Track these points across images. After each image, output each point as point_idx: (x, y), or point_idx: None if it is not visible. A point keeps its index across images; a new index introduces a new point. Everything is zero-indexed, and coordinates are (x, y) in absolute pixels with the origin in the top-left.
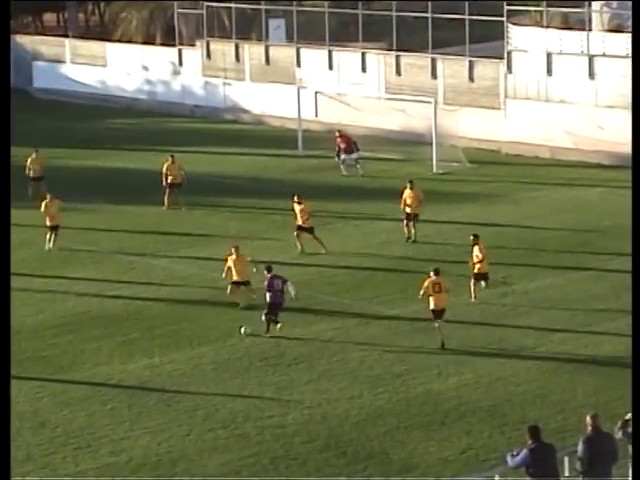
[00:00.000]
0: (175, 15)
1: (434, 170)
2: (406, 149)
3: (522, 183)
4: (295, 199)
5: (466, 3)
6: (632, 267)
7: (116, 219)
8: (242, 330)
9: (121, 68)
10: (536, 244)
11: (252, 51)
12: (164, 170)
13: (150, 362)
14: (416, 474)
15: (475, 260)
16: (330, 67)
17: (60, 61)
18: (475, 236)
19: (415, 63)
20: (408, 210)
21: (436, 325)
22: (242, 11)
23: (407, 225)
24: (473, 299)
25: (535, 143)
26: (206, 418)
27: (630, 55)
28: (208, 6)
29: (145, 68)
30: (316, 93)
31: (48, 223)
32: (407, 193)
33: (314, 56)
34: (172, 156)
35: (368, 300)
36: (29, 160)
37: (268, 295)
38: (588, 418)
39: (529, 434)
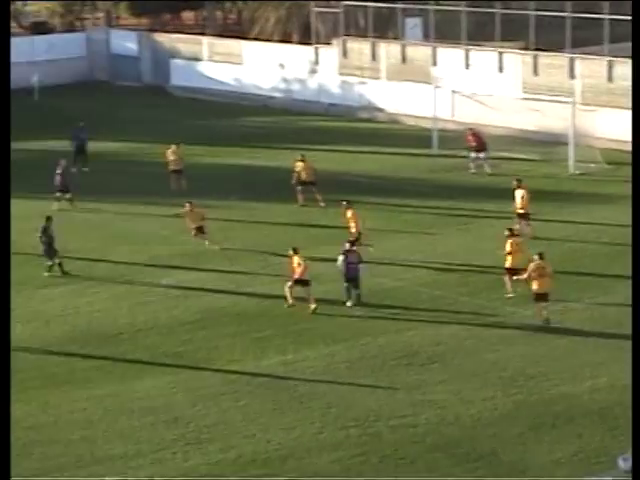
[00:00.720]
0: (312, 14)
1: (571, 171)
2: (543, 149)
3: None
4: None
5: (606, 2)
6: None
7: (251, 216)
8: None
9: (257, 66)
10: None
11: (388, 50)
12: (296, 169)
13: (283, 359)
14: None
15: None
16: (466, 66)
17: (197, 59)
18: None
19: (553, 63)
20: (520, 211)
21: (542, 308)
22: (379, 10)
23: (519, 223)
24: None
25: None
26: (338, 416)
27: None
28: (345, 5)
29: (281, 66)
30: (452, 92)
31: (192, 226)
32: (520, 193)
33: (450, 55)
34: (302, 155)
35: (502, 300)
36: (168, 152)
37: (341, 264)
38: None
39: None
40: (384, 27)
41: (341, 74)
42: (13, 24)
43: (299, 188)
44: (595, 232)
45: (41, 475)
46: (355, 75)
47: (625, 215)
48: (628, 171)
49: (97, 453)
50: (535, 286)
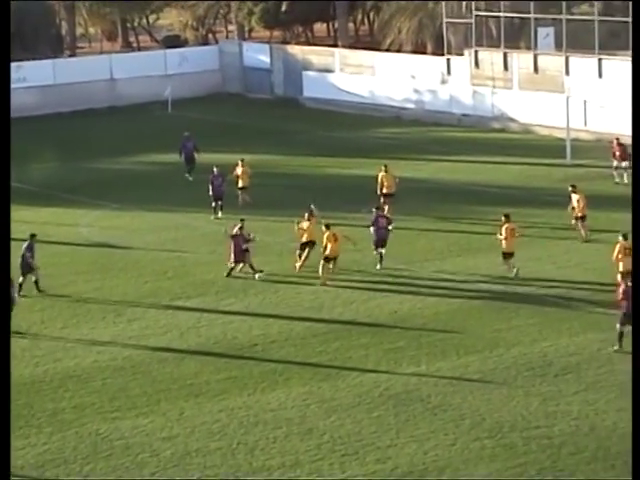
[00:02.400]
0: (444, 24)
1: None
2: None
3: None
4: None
5: None
6: (632, 265)
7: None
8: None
9: (389, 77)
10: None
11: (520, 59)
12: (379, 180)
13: (417, 370)
14: None
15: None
16: (600, 75)
17: (329, 71)
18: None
19: None
20: (578, 214)
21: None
22: (510, 20)
23: (576, 227)
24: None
25: None
26: (472, 427)
27: None
28: (477, 15)
29: (413, 77)
30: (585, 102)
31: (304, 239)
32: (576, 197)
33: (583, 64)
34: (385, 166)
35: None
36: (237, 170)
37: (372, 229)
38: None
39: None
40: (516, 37)
41: (473, 84)
42: (147, 38)
43: (382, 200)
44: None
45: None
46: (487, 85)
47: None
48: None
49: (255, 463)
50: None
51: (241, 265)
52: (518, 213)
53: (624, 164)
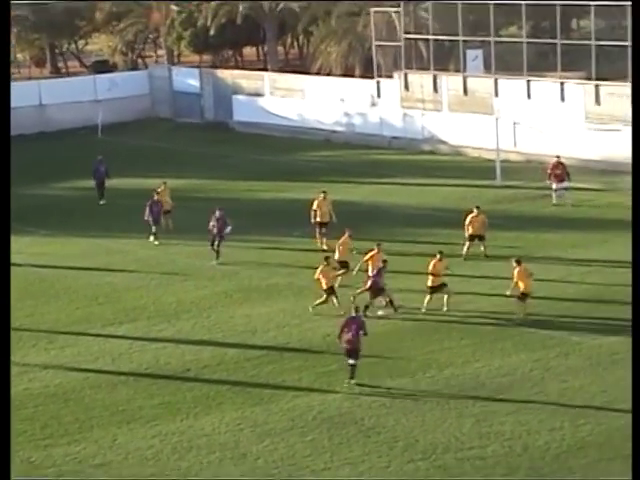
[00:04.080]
0: (373, 47)
1: None
2: (606, 179)
3: None
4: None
5: None
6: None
7: (314, 251)
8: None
9: (319, 101)
10: None
11: (450, 82)
12: (314, 207)
13: (349, 393)
14: None
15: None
16: (528, 97)
17: (259, 94)
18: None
19: (615, 92)
20: (471, 231)
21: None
22: (440, 42)
23: (470, 247)
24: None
25: None
26: (406, 449)
27: None
28: (406, 38)
29: (342, 100)
30: (514, 123)
31: (337, 257)
32: (471, 217)
33: (512, 86)
34: (324, 192)
35: (568, 331)
36: (158, 192)
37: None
38: None
39: None
40: (445, 59)
41: (403, 107)
42: (76, 63)
43: (316, 229)
44: None
45: None
46: (417, 108)
47: None
48: None
49: None
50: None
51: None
52: (449, 234)
53: (564, 184)
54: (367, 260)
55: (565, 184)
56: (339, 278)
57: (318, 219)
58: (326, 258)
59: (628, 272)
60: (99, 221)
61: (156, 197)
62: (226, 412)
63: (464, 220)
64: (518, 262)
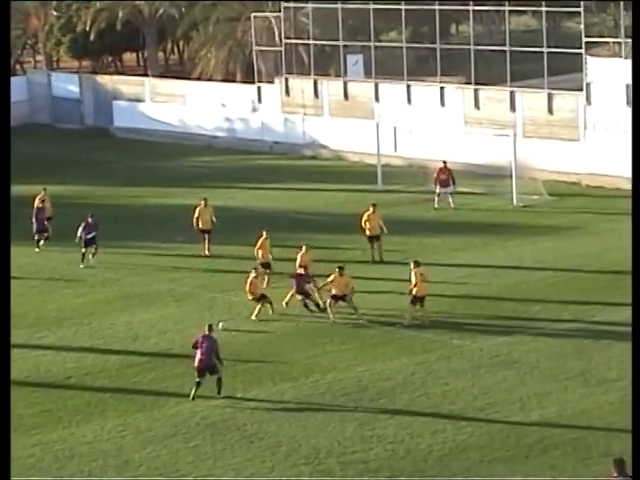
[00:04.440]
0: (254, 52)
1: (514, 203)
2: (486, 182)
3: (603, 215)
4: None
5: (544, 36)
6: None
7: (196, 257)
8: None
9: (200, 106)
10: (617, 276)
11: (330, 87)
12: (196, 214)
13: (232, 399)
14: None
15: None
16: (409, 101)
17: (140, 100)
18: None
19: (494, 96)
20: (368, 233)
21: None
22: (320, 47)
23: (372, 247)
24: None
25: (615, 175)
26: (289, 454)
27: None
28: (286, 43)
29: (223, 105)
30: (395, 128)
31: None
32: (366, 217)
33: (392, 91)
34: (205, 199)
35: (449, 334)
36: (38, 199)
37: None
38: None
39: (615, 467)
40: (326, 64)
41: (284, 112)
42: None
43: (200, 236)
44: (540, 263)
45: None
46: (298, 113)
47: (568, 245)
48: (571, 202)
49: None
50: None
51: None
52: (331, 239)
53: (449, 189)
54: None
55: (450, 189)
56: (265, 283)
57: (200, 226)
58: (255, 269)
59: (508, 275)
60: None
61: (40, 204)
62: (108, 419)
63: (360, 221)
64: (416, 263)
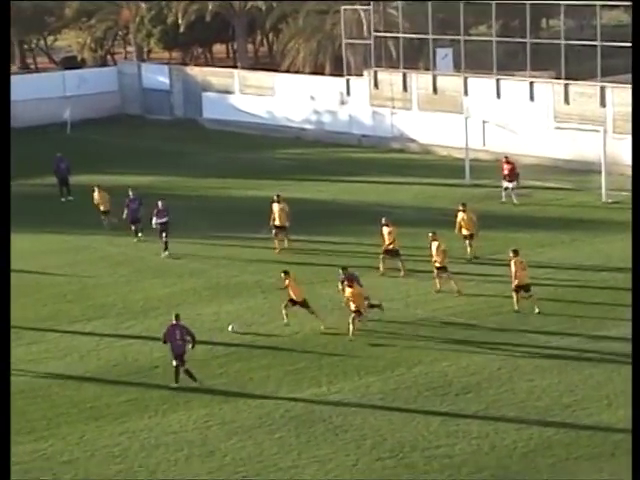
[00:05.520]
0: (343, 45)
1: (603, 199)
2: (575, 178)
3: None
4: (383, 221)
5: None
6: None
7: (283, 249)
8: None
9: (289, 98)
10: None
11: (419, 80)
12: (273, 210)
13: (317, 391)
14: None
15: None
16: (498, 96)
17: (229, 92)
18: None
19: (584, 91)
20: (464, 232)
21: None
22: (409, 41)
23: (470, 245)
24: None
25: None
26: (373, 447)
27: None
28: (376, 36)
29: (312, 98)
30: (483, 122)
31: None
32: (461, 216)
33: (481, 85)
34: (278, 196)
35: (535, 330)
36: (95, 194)
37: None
38: None
39: None
40: (415, 58)
41: (372, 105)
42: (45, 59)
43: (273, 232)
44: (628, 261)
45: None
46: (386, 106)
47: None
48: None
49: None
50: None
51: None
52: (418, 233)
53: (511, 185)
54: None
55: (514, 184)
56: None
57: (276, 222)
58: (285, 272)
59: (595, 272)
60: (67, 218)
61: (132, 194)
62: (194, 409)
63: (455, 220)
64: (515, 252)
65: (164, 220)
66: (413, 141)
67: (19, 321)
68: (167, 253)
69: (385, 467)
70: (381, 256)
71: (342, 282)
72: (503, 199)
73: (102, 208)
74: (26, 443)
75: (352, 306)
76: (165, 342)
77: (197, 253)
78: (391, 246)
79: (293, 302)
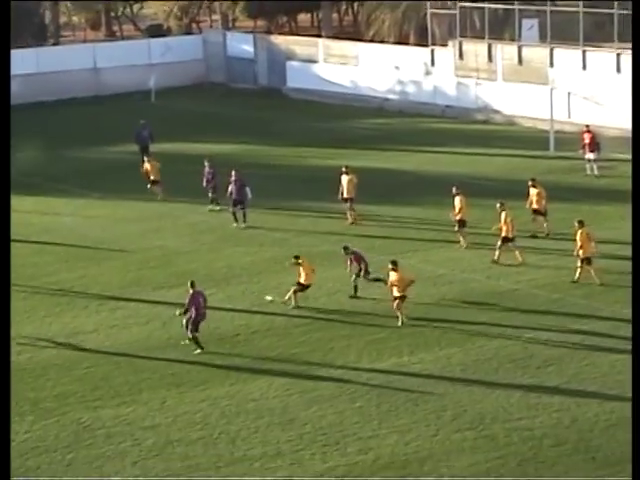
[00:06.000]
0: (428, 15)
1: None
2: None
3: None
4: (454, 191)
5: None
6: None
7: (368, 219)
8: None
9: (373, 68)
10: None
11: (505, 51)
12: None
13: (398, 361)
14: None
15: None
16: (584, 67)
17: (313, 61)
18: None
19: None
20: (536, 206)
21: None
22: (495, 11)
23: (534, 220)
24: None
25: None
26: (454, 419)
27: None
28: (461, 6)
29: (397, 68)
30: (569, 94)
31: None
32: (534, 191)
33: (567, 56)
34: (346, 167)
35: (620, 303)
36: (146, 164)
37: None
38: None
39: None
40: (500, 28)
41: (457, 76)
42: (130, 27)
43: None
44: None
45: (183, 475)
46: (471, 77)
47: None
48: None
49: (237, 453)
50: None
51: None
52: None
53: (592, 156)
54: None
55: (594, 154)
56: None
57: (344, 195)
58: (296, 257)
59: None
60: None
61: (209, 164)
62: (275, 377)
63: (526, 194)
64: (581, 223)
65: (238, 190)
66: (497, 112)
67: (103, 287)
68: (243, 224)
69: (465, 439)
70: (455, 228)
71: (350, 262)
72: (587, 172)
73: (152, 177)
74: (108, 408)
75: (395, 292)
76: (187, 311)
77: (278, 222)
78: (459, 216)
79: (302, 286)
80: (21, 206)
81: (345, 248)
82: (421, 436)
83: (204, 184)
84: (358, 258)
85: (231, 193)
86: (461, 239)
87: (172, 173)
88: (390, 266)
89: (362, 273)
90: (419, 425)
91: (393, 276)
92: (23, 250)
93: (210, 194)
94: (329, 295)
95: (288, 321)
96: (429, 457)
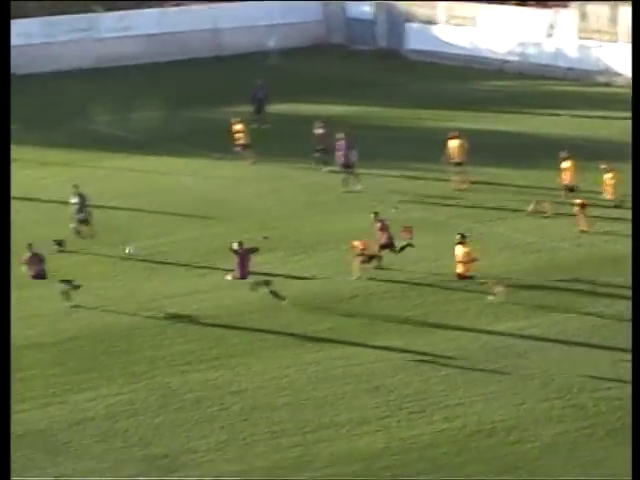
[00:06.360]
0: None
1: None
2: None
3: None
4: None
5: None
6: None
7: (478, 182)
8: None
9: (493, 30)
10: None
11: (628, 13)
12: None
13: (488, 328)
14: None
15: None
16: None
17: (432, 22)
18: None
19: None
20: (566, 183)
21: None
22: None
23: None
24: None
25: None
26: (541, 387)
27: None
28: None
29: (517, 29)
30: None
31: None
32: (565, 166)
33: None
34: (457, 132)
35: None
36: (235, 128)
37: None
38: None
39: None
40: None
41: (579, 38)
42: None
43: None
44: None
45: (270, 439)
46: (593, 39)
47: None
48: None
49: (323, 419)
50: None
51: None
52: (619, 169)
53: None
54: None
55: None
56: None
57: (455, 159)
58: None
59: None
60: (266, 146)
61: (322, 125)
62: (392, 340)
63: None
64: None
65: (349, 156)
66: (619, 75)
67: (218, 247)
68: (359, 186)
69: (552, 407)
70: (563, 193)
71: (381, 229)
72: None
73: (242, 142)
74: (196, 372)
75: (460, 268)
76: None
77: (395, 184)
78: (567, 181)
79: (382, 247)
80: (143, 165)
81: (375, 213)
82: (508, 404)
83: (316, 146)
84: (384, 228)
85: (343, 156)
86: (546, 206)
87: (288, 134)
88: (459, 238)
89: (389, 245)
90: (506, 393)
91: (461, 251)
92: (146, 208)
93: (319, 155)
94: (445, 258)
95: (404, 284)
96: (516, 426)
